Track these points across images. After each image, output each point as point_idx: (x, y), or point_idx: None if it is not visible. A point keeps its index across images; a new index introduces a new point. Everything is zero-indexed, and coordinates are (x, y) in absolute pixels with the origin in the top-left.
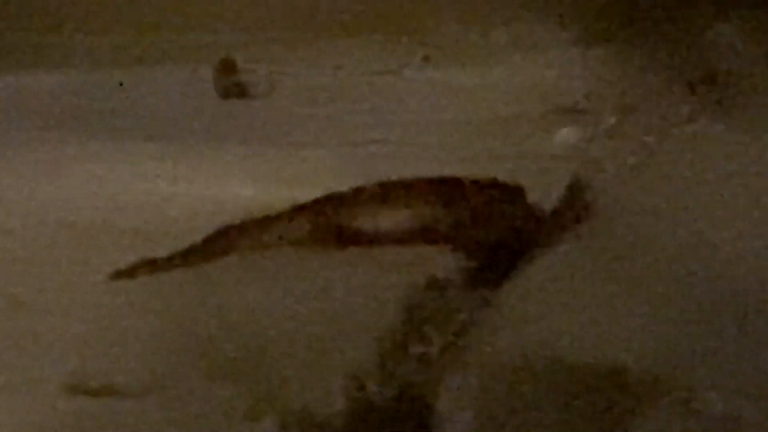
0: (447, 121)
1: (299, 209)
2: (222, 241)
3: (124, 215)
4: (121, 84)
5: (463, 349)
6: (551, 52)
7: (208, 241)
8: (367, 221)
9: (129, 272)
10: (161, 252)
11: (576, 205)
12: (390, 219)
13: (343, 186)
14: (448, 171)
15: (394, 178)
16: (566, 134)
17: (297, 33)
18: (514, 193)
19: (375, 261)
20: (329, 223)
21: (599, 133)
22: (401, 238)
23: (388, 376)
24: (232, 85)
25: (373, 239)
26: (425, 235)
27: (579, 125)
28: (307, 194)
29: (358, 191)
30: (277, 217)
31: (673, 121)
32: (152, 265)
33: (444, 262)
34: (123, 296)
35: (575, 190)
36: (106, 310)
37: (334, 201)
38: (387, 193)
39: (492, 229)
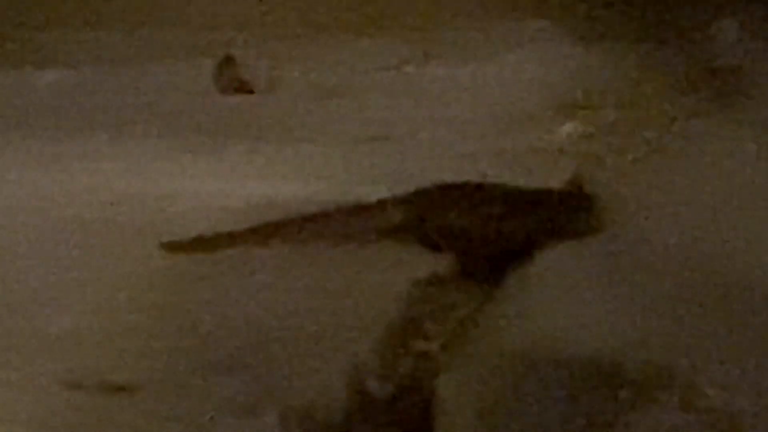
0: (448, 117)
1: (392, 200)
2: (309, 226)
3: (125, 212)
4: None
5: (463, 345)
6: (552, 49)
7: (288, 223)
8: (454, 220)
9: (186, 247)
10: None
11: (577, 201)
12: (475, 221)
13: (343, 183)
14: (448, 168)
15: (393, 174)
16: (567, 130)
17: (298, 29)
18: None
19: (375, 257)
20: (418, 217)
21: (600, 130)
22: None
23: (389, 372)
24: (233, 81)
25: (456, 239)
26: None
27: (580, 121)
28: (308, 190)
29: (449, 188)
30: (369, 206)
31: (674, 117)
32: (213, 242)
33: (445, 259)
34: (122, 292)
35: (576, 187)
36: (106, 306)
37: (426, 196)
38: (477, 195)
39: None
